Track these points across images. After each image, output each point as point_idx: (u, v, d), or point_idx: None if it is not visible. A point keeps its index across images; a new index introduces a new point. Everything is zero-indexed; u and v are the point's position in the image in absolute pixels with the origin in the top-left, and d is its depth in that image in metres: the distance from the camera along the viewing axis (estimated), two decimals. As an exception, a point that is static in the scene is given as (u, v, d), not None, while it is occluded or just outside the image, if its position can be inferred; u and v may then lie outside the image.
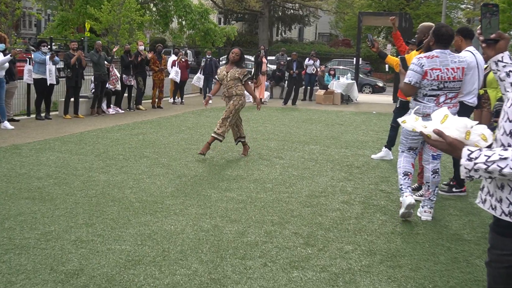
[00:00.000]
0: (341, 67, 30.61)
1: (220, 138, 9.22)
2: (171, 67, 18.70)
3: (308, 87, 22.42)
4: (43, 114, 13.91)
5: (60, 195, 6.65)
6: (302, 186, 7.56)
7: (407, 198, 5.97)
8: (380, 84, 30.82)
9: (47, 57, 13.41)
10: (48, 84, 13.49)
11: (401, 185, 6.14)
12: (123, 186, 7.20)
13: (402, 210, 6.04)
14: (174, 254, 4.83)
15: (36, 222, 5.58)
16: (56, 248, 4.86)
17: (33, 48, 16.39)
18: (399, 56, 7.30)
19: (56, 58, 13.68)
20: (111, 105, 15.92)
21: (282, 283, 4.31)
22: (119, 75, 16.22)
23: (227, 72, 9.28)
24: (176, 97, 19.49)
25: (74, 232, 5.31)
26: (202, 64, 20.56)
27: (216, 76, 9.61)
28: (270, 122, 14.81)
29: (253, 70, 20.70)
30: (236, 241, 5.22)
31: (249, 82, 9.60)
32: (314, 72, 22.05)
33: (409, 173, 6.17)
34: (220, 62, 21.63)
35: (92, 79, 15.33)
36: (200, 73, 20.43)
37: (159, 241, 5.15)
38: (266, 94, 21.17)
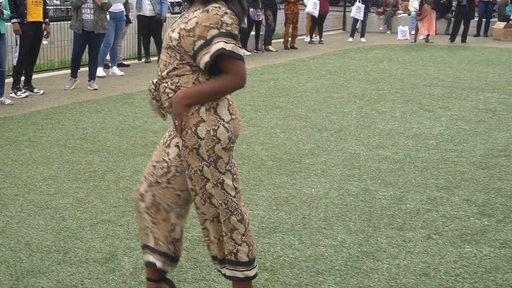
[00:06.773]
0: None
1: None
2: (308, -2, 18.70)
3: (483, 19, 21.59)
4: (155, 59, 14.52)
5: (180, 151, 6.99)
6: (476, 143, 7.42)
7: None
8: None
9: None
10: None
11: None
12: (252, 141, 7.44)
13: None
14: (316, 222, 4.98)
15: (154, 181, 5.93)
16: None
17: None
18: None
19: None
20: (235, 46, 16.23)
21: (451, 259, 4.33)
22: (244, 9, 16.46)
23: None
24: (314, 35, 19.52)
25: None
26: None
27: None
28: (433, 64, 14.50)
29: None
30: (391, 208, 5.28)
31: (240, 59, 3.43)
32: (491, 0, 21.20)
33: None
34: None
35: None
36: (359, 2, 19.67)
37: (298, 206, 5.32)
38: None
